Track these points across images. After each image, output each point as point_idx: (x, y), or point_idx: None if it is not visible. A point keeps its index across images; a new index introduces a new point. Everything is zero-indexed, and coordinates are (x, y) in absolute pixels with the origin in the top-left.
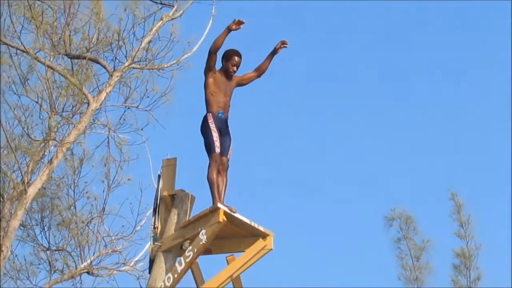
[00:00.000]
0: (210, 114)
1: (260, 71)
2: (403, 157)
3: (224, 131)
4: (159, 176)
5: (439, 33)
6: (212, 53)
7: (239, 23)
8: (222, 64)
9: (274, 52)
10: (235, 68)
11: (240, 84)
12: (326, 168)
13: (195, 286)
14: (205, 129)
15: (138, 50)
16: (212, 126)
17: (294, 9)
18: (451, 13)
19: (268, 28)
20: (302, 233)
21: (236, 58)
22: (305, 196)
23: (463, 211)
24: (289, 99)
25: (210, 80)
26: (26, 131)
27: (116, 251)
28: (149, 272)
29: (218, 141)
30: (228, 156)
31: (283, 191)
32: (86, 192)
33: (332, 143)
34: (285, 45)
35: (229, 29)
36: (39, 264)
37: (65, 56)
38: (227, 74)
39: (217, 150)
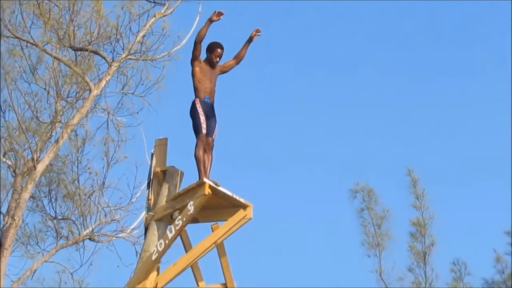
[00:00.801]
0: (198, 99)
1: (238, 59)
2: (367, 138)
3: (210, 114)
4: (152, 154)
5: (438, 32)
6: (197, 43)
7: (219, 14)
8: (207, 55)
9: (250, 40)
10: (218, 59)
11: (222, 71)
12: (304, 149)
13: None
14: (193, 112)
15: (134, 43)
16: (200, 110)
17: (277, 8)
18: (451, 13)
19: (250, 26)
20: (278, 205)
21: (219, 50)
22: (282, 173)
23: (418, 185)
24: (266, 81)
25: (197, 69)
26: (36, 115)
27: (114, 220)
28: (144, 238)
29: (205, 123)
30: (213, 136)
31: (260, 168)
32: (88, 168)
33: (305, 124)
34: (259, 33)
35: (210, 21)
36: (47, 231)
37: (70, 49)
38: (211, 64)
39: (204, 131)
